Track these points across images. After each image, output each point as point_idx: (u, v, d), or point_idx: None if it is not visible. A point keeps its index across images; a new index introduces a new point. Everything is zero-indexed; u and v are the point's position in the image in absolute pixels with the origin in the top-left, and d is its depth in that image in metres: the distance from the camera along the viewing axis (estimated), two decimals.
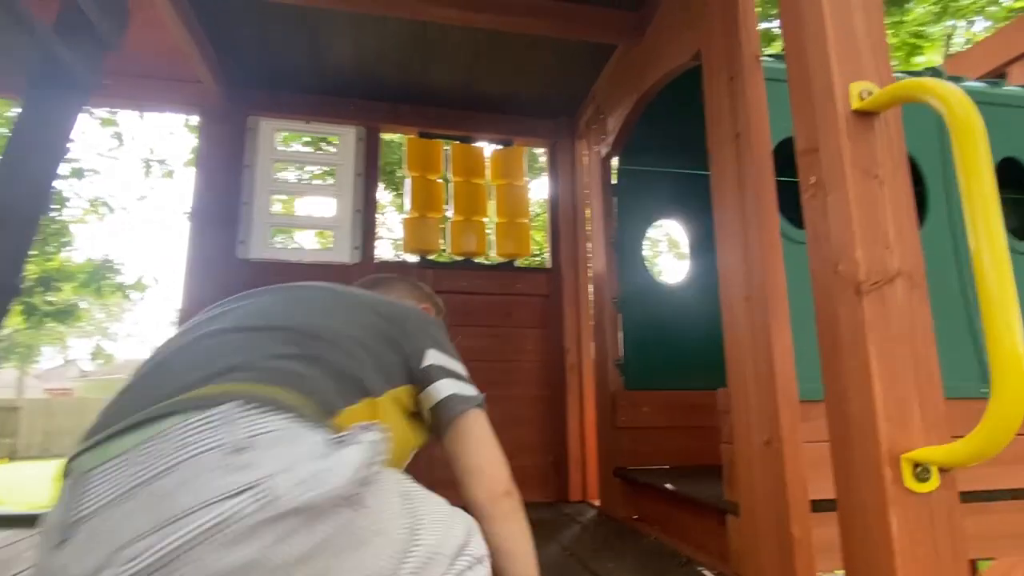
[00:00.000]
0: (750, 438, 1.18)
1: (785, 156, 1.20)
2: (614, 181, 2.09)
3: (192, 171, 2.42)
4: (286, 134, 2.92)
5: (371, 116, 2.31)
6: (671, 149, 2.14)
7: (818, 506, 1.11)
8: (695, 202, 2.14)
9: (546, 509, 1.97)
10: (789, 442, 1.10)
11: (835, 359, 0.92)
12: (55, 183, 1.38)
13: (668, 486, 1.53)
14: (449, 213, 2.41)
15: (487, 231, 2.43)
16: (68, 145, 1.36)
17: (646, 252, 2.13)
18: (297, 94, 2.25)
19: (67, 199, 6.99)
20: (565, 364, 2.23)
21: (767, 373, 1.15)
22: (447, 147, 2.44)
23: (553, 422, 2.25)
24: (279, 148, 2.28)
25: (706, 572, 1.25)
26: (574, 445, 2.16)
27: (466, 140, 2.44)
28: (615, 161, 2.10)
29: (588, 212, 2.34)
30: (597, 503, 2.02)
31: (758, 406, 1.16)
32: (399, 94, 2.29)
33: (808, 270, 1.23)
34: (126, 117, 6.91)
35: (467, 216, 2.37)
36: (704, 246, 2.20)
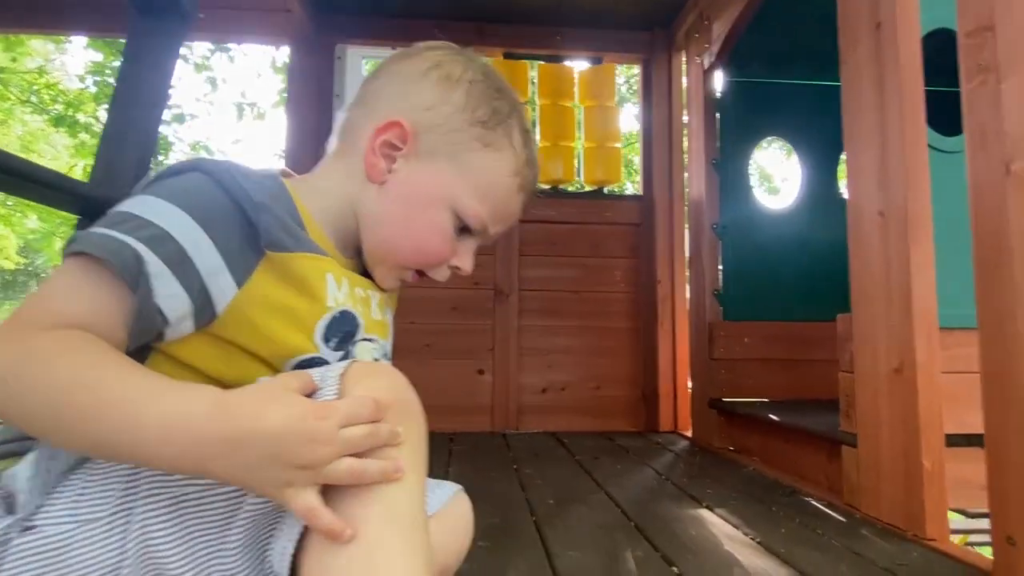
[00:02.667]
0: (876, 366, 1.08)
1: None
2: (717, 95, 1.92)
3: (282, 112, 2.46)
4: (373, 62, 2.90)
5: (457, 38, 2.22)
6: (784, 57, 1.93)
7: (950, 440, 1.01)
8: (811, 115, 1.94)
9: (635, 438, 1.97)
10: (924, 370, 1.00)
11: (997, 276, 0.80)
12: (159, 128, 1.42)
13: (773, 416, 1.46)
14: (535, 138, 2.33)
15: (575, 157, 2.34)
16: (170, 87, 1.39)
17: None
18: (383, 18, 2.21)
19: (171, 144, 7.47)
20: (657, 296, 2.16)
21: (902, 296, 1.03)
22: (533, 70, 2.34)
23: (643, 354, 2.20)
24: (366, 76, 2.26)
25: (814, 502, 1.19)
26: (665, 377, 2.11)
27: (554, 59, 2.32)
28: (719, 74, 1.92)
29: (685, 132, 2.18)
30: (688, 434, 1.99)
31: (888, 332, 1.06)
32: (485, 13, 2.19)
33: (949, 182, 1.08)
34: (218, 61, 7.17)
35: (554, 141, 2.28)
36: (819, 165, 2.01)
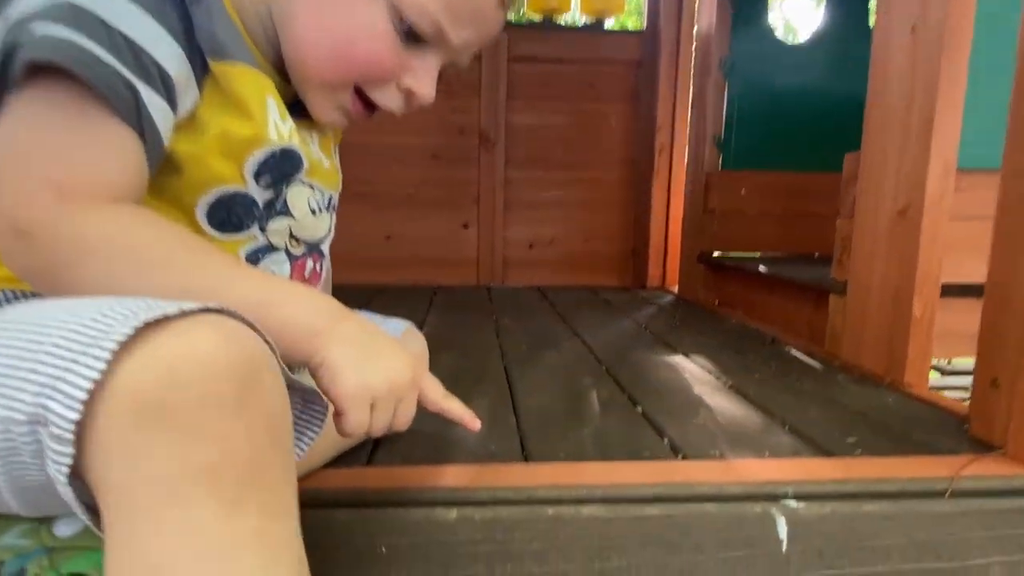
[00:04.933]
0: (880, 208, 0.99)
1: None
2: None
3: None
4: None
5: None
6: None
7: (943, 291, 0.94)
8: None
9: (621, 293, 1.93)
10: (932, 212, 0.90)
11: None
12: None
13: (761, 268, 1.40)
14: None
15: None
16: None
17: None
18: None
19: None
20: (655, 144, 2.00)
21: (922, 128, 0.91)
22: None
23: (635, 208, 2.10)
24: None
25: (794, 351, 1.16)
26: (656, 232, 2.03)
27: None
28: None
29: None
30: (675, 290, 1.95)
31: (899, 170, 0.95)
32: None
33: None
34: None
35: None
36: None
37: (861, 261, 1.03)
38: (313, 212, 0.55)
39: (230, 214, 0.49)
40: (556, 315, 1.52)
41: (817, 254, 1.65)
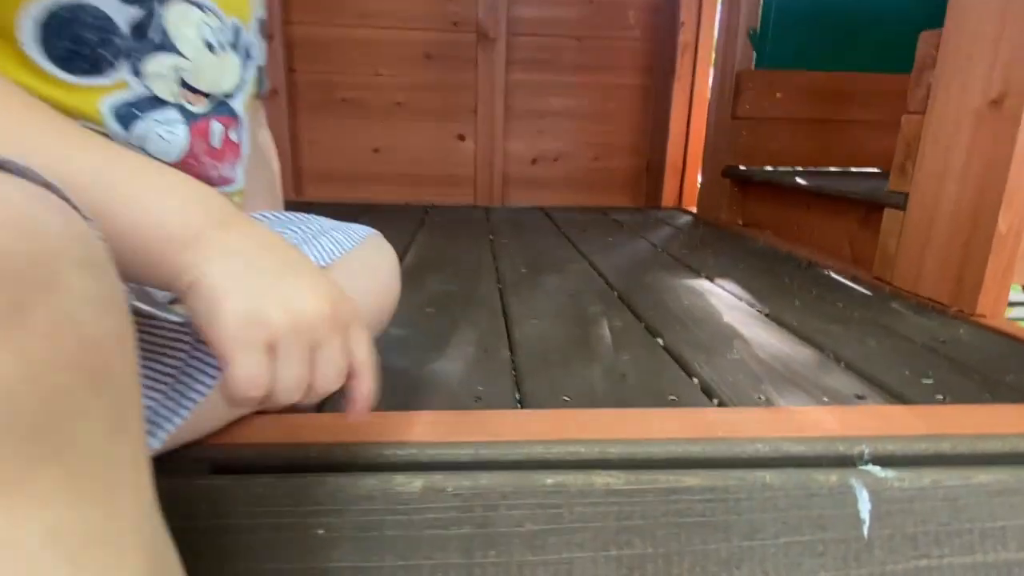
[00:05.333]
0: (964, 99, 0.80)
1: None
2: None
3: None
4: None
5: None
6: None
7: None
8: None
9: (634, 213, 1.76)
10: None
11: None
12: None
13: (800, 181, 1.22)
14: None
15: None
16: None
17: None
18: None
19: None
20: (677, 43, 1.76)
21: None
22: None
23: (653, 118, 1.88)
24: None
25: (835, 275, 1.01)
26: (675, 145, 1.83)
27: None
28: None
29: None
30: (693, 210, 1.77)
31: (995, 49, 0.75)
32: None
33: None
34: None
35: None
36: None
37: (931, 166, 0.85)
38: (210, 48, 0.38)
39: (77, 41, 0.32)
40: (561, 236, 1.36)
41: (859, 168, 1.46)
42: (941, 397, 0.54)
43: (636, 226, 1.52)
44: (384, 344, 0.62)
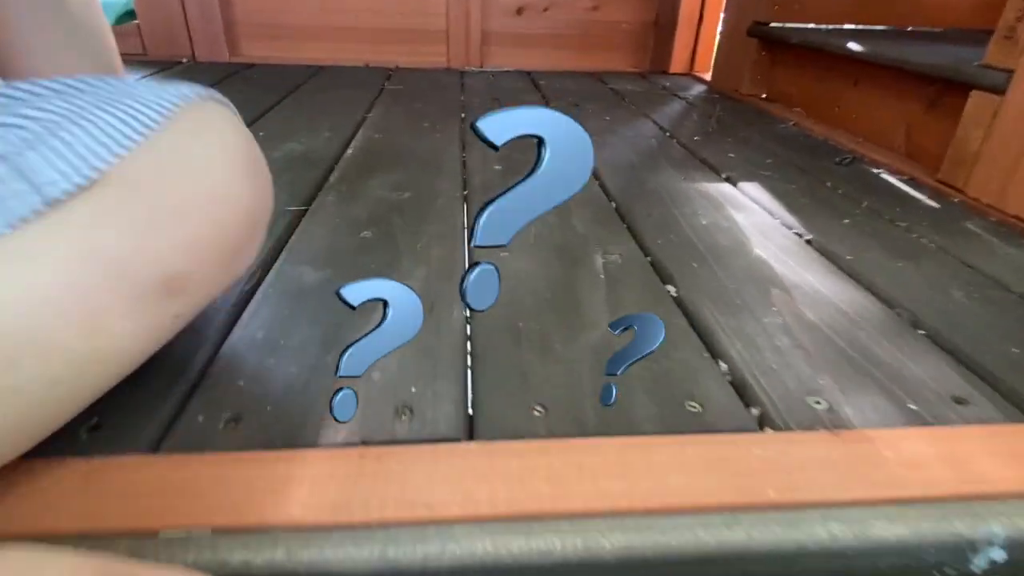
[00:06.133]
0: None
1: None
2: None
3: None
4: None
5: None
6: None
7: None
8: None
9: (635, 81, 1.48)
10: None
11: None
12: None
13: (852, 45, 0.96)
14: None
15: None
16: None
17: None
18: None
19: None
20: None
21: None
22: None
23: None
24: None
25: (888, 177, 0.81)
26: None
27: None
28: None
29: None
30: (707, 77, 1.50)
31: None
32: None
33: None
34: None
35: None
36: None
37: None
38: None
39: None
40: None
41: (923, 30, 1.19)
42: None
43: (639, 99, 1.26)
44: (267, 299, 0.43)
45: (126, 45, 1.43)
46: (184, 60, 1.46)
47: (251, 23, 1.50)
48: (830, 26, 1.21)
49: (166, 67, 1.37)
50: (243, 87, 1.21)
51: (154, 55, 1.46)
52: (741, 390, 0.38)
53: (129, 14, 1.48)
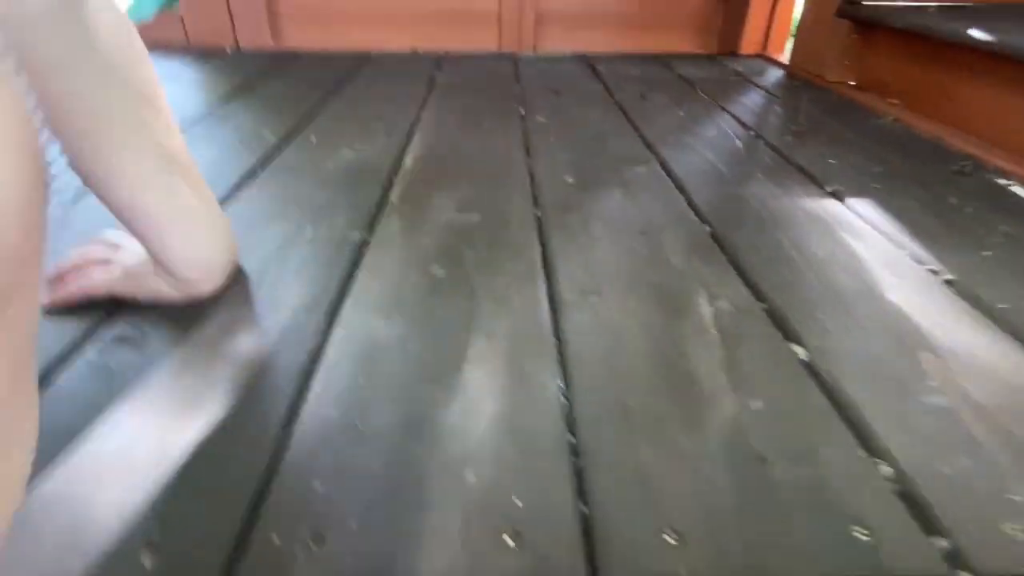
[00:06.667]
0: None
1: None
2: None
3: None
4: None
5: None
6: None
7: None
8: None
9: (704, 64, 1.36)
10: None
11: None
12: None
13: (975, 33, 0.84)
14: None
15: None
16: None
17: None
18: None
19: None
20: None
21: None
22: None
23: None
24: None
25: (1019, 190, 0.70)
26: None
27: None
28: None
29: None
30: (783, 60, 1.37)
31: None
32: None
33: None
34: None
35: None
36: None
37: None
38: None
39: None
40: (614, 108, 1.03)
41: None
42: None
43: (712, 88, 1.16)
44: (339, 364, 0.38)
45: (168, 32, 1.39)
46: (227, 48, 1.41)
47: (295, 7, 1.43)
48: (935, 3, 1.07)
49: (208, 56, 1.32)
50: (289, 81, 1.15)
51: (196, 42, 1.41)
52: (916, 508, 0.31)
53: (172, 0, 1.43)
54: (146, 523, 0.29)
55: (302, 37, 1.46)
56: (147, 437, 0.35)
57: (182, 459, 0.33)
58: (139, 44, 0.39)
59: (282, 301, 0.47)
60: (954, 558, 0.28)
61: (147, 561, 0.28)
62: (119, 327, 0.44)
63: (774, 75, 1.27)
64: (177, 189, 0.42)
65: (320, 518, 0.30)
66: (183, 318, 0.45)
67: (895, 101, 1.03)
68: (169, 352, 0.41)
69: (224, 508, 0.30)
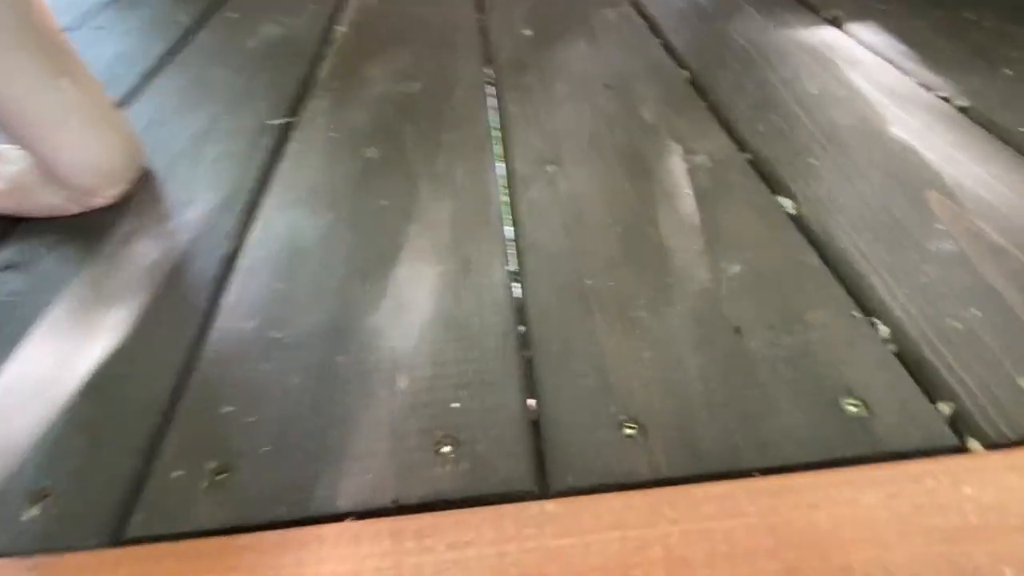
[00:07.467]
0: None
1: None
2: None
3: None
4: None
5: None
6: None
7: None
8: None
9: None
10: None
11: None
12: None
13: None
14: None
15: None
16: None
17: None
18: None
19: None
20: None
21: None
22: None
23: None
24: None
25: None
26: None
27: None
28: None
29: None
30: None
31: None
32: None
33: None
34: None
35: None
36: None
37: None
38: None
39: None
40: None
41: None
42: None
43: None
44: (256, 268, 0.33)
45: None
46: None
47: None
48: None
49: None
50: None
51: None
52: (918, 371, 0.27)
53: None
54: (33, 465, 0.26)
55: None
56: (39, 373, 0.30)
57: (77, 392, 0.29)
58: None
59: (194, 203, 0.41)
60: (963, 424, 0.25)
61: (34, 508, 0.24)
62: (6, 252, 0.38)
63: None
64: (61, 85, 0.35)
65: (229, 444, 0.26)
66: (82, 233, 0.39)
67: None
68: (67, 275, 0.36)
69: (121, 443, 0.26)
